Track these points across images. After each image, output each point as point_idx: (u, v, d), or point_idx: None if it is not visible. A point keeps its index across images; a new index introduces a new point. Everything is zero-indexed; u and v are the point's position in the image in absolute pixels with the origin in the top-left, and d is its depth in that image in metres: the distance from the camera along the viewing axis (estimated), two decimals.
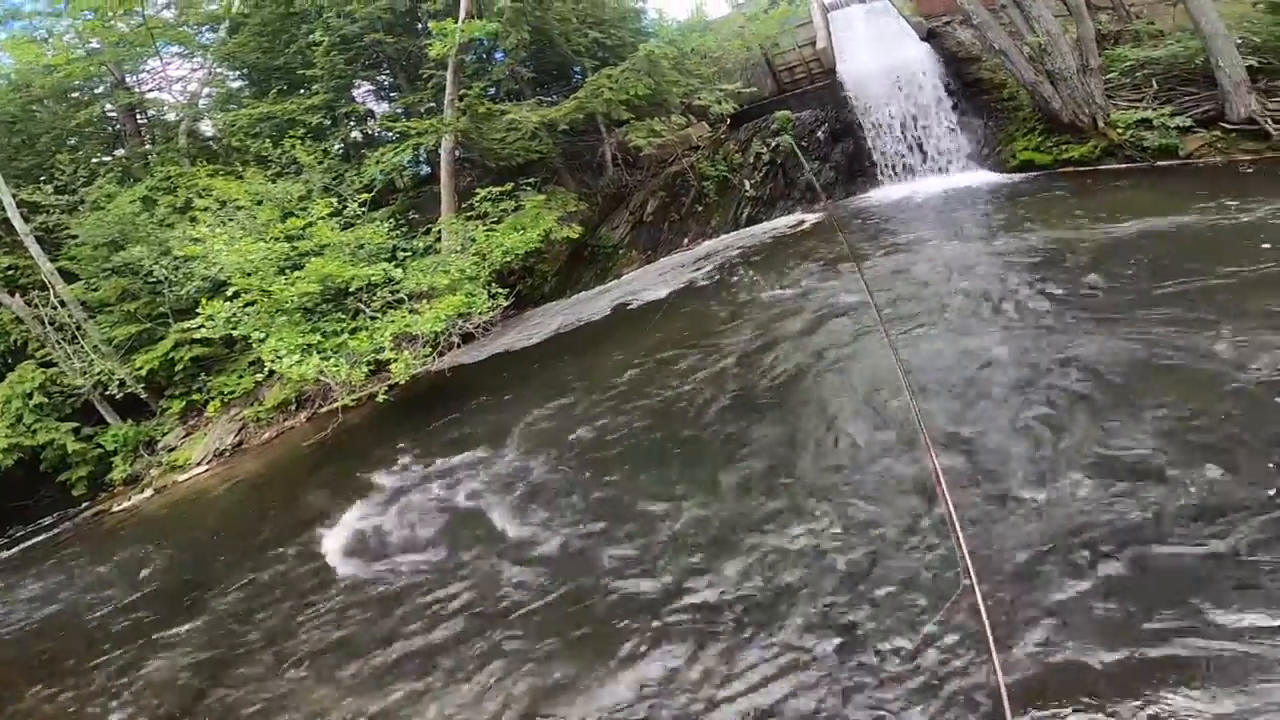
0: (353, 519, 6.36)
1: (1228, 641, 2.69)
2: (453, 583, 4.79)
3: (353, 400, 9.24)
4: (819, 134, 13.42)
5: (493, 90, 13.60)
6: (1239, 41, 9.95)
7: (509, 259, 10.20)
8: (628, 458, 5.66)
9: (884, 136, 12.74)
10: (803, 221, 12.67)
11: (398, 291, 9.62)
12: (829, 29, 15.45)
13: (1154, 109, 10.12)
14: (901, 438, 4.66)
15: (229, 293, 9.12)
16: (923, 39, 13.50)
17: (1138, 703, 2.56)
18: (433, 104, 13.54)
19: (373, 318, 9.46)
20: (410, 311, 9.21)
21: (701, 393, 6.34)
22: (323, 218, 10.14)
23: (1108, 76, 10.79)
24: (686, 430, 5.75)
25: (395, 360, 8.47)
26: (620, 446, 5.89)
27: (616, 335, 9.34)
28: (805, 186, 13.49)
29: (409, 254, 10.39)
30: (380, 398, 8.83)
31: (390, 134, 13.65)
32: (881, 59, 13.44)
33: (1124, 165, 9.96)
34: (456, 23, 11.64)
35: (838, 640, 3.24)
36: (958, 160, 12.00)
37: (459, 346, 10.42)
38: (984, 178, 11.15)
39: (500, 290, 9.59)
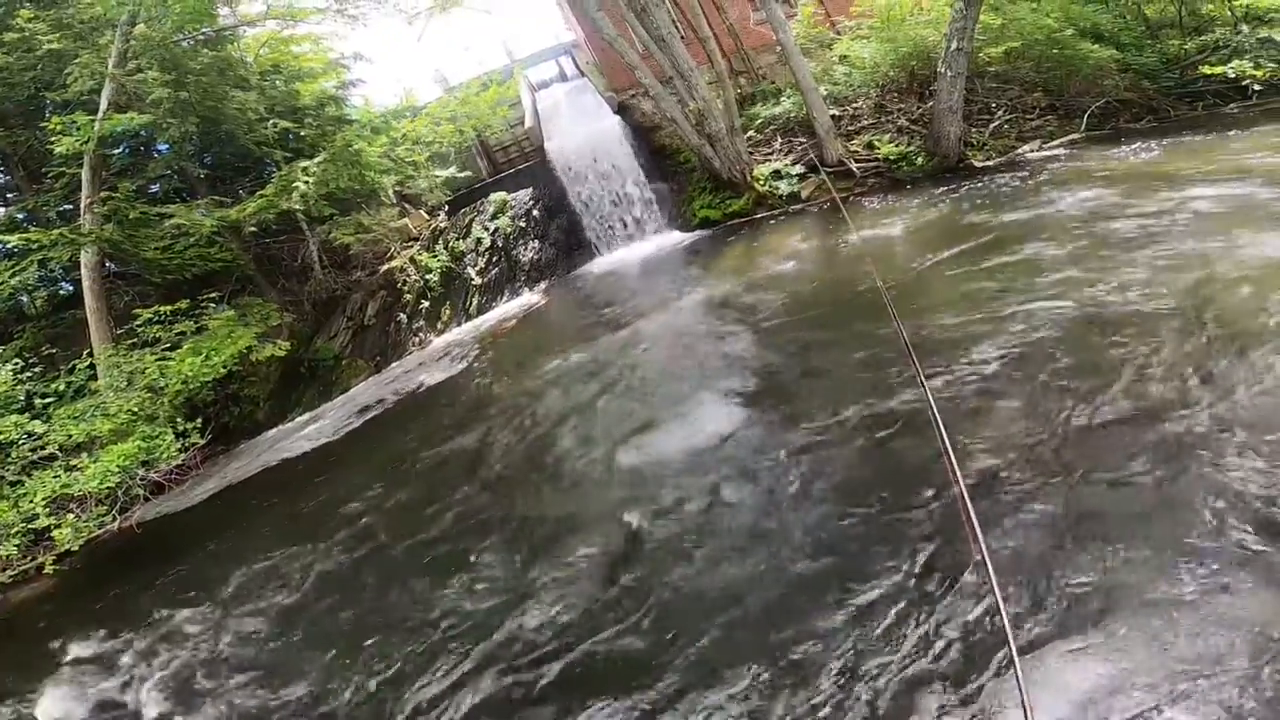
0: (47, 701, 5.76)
1: None
2: None
3: (9, 577, 8.29)
4: (535, 212, 15.18)
5: (153, 189, 12.92)
6: (825, 93, 13.30)
7: (193, 390, 9.69)
8: (362, 610, 5.62)
9: (591, 208, 14.99)
10: (531, 303, 13.87)
11: (44, 447, 8.75)
12: (536, 107, 17.97)
13: (781, 160, 13.22)
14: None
15: None
16: (615, 112, 16.19)
17: None
18: (68, 206, 12.32)
19: (13, 483, 8.59)
20: (68, 468, 8.48)
21: (439, 510, 6.68)
22: None
23: (748, 134, 13.74)
24: (421, 553, 6.02)
25: (59, 526, 8.00)
26: (356, 599, 5.85)
27: (348, 457, 9.30)
28: (530, 266, 15.04)
29: (52, 399, 9.36)
30: (49, 569, 8.11)
31: (6, 247, 12.03)
32: (581, 134, 15.72)
33: (771, 213, 12.92)
34: (96, 114, 10.99)
35: None
36: (653, 224, 14.69)
37: (148, 500, 9.58)
38: (675, 238, 13.84)
39: (193, 426, 9.14)
